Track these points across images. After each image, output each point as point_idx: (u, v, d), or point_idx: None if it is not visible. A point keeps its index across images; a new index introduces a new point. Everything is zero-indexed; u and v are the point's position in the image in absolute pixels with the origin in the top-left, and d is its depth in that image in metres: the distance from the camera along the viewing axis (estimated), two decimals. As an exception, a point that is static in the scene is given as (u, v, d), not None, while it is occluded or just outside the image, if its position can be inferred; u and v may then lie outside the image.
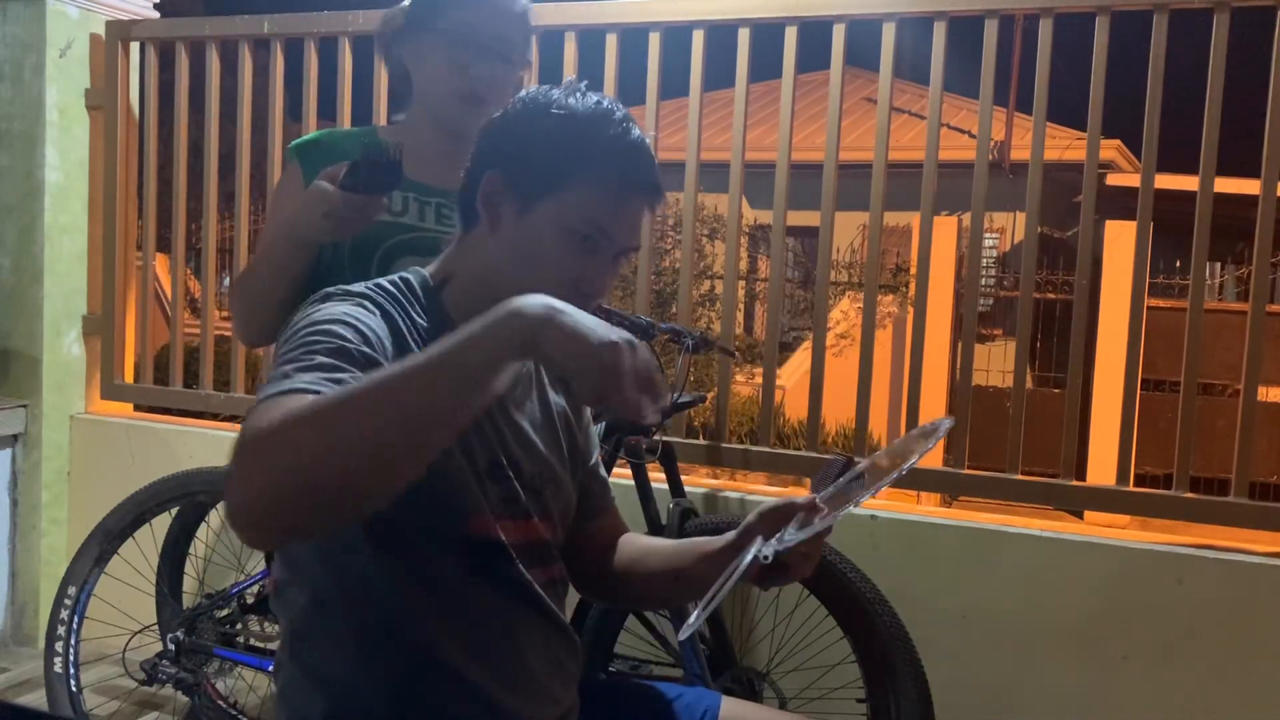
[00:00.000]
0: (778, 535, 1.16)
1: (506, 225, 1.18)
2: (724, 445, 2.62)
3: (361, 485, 0.90)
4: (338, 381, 0.99)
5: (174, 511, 2.64)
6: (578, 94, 1.18)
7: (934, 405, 7.62)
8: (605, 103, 1.18)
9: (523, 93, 1.22)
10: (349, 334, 1.06)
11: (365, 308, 1.13)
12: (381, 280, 1.21)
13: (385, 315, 1.14)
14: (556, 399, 1.35)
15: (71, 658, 2.51)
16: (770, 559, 1.13)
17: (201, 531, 2.74)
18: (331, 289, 1.17)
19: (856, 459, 1.25)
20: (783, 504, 1.21)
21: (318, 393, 0.96)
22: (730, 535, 1.24)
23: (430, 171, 1.65)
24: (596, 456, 1.42)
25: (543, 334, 0.92)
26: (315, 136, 1.75)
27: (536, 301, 0.94)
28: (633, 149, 1.17)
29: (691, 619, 1.10)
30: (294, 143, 1.73)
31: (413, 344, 1.15)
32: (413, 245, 1.62)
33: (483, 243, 1.20)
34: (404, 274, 1.23)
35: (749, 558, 1.14)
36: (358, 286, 1.18)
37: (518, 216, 1.17)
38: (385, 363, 1.07)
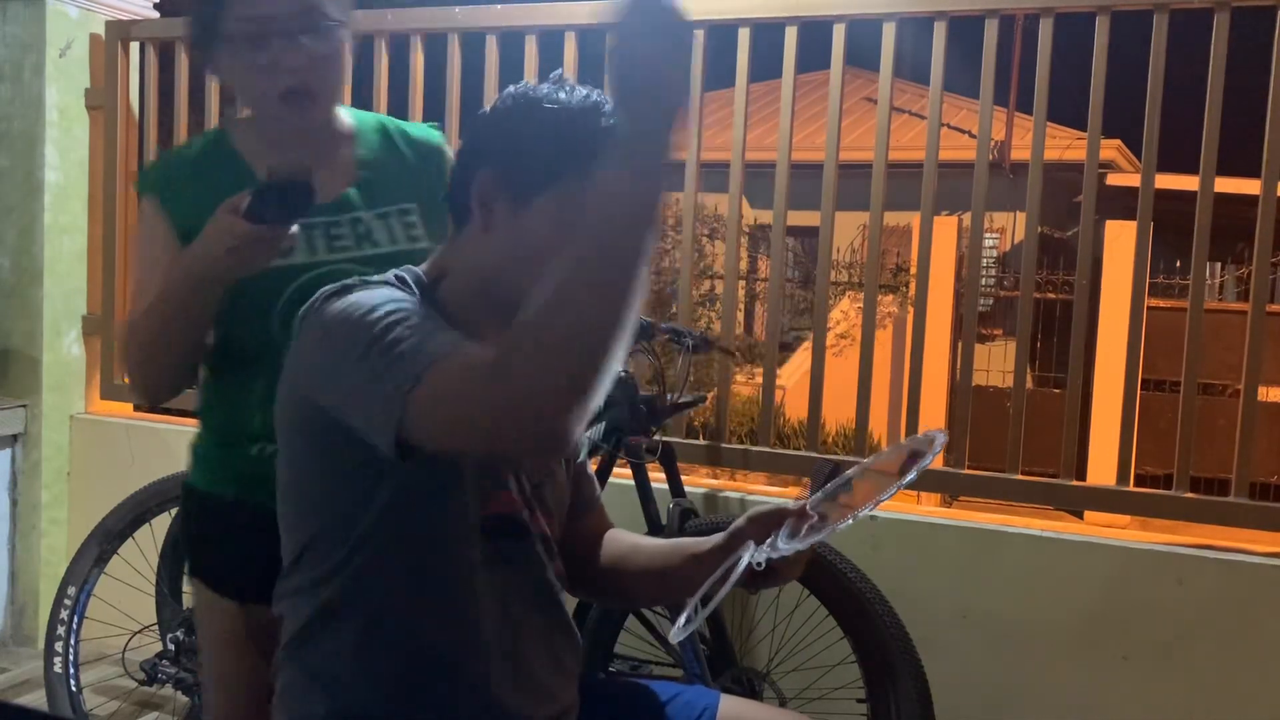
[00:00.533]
0: (769, 541, 1.17)
1: (501, 223, 1.17)
2: (724, 445, 2.62)
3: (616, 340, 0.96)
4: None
5: (174, 511, 2.64)
6: (566, 88, 1.17)
7: (934, 405, 7.62)
8: (593, 95, 1.17)
9: (510, 89, 1.21)
10: (417, 311, 1.09)
11: (398, 293, 1.14)
12: (382, 276, 1.21)
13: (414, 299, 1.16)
14: None
15: (71, 658, 2.51)
16: (764, 566, 1.14)
17: (201, 531, 2.74)
18: (349, 280, 1.17)
19: (843, 464, 1.26)
20: (773, 510, 1.21)
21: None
22: (719, 537, 1.25)
23: None
24: (585, 454, 1.43)
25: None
26: (159, 164, 1.54)
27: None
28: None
29: (681, 621, 1.11)
30: (140, 177, 1.53)
31: None
32: (313, 287, 1.35)
33: (477, 241, 1.20)
34: (398, 272, 1.23)
35: (743, 565, 1.14)
36: (373, 279, 1.18)
37: (513, 214, 1.17)
38: None
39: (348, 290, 1.14)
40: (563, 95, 1.16)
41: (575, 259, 0.95)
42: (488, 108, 1.22)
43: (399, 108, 2.75)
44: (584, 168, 1.14)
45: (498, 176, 1.16)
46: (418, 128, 1.60)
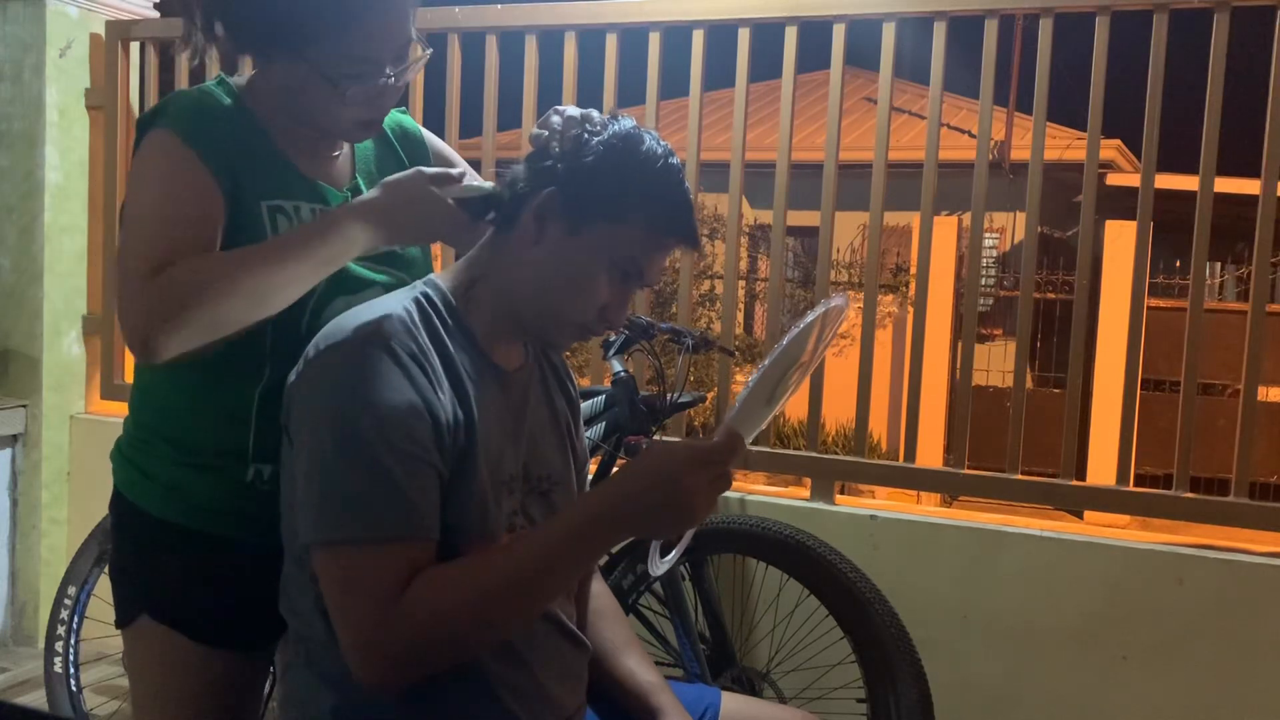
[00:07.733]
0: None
1: (551, 241, 1.19)
2: (724, 445, 2.61)
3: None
4: (416, 513, 1.10)
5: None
6: (657, 141, 1.20)
7: (934, 405, 7.62)
8: (665, 147, 1.21)
9: (598, 117, 1.21)
10: (415, 445, 1.09)
11: (407, 371, 1.12)
12: (408, 305, 1.19)
13: (423, 356, 1.14)
14: (560, 403, 1.36)
15: (71, 658, 2.51)
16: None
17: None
18: (362, 315, 1.15)
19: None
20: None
21: (421, 536, 1.10)
22: (638, 692, 1.36)
23: (318, 164, 1.36)
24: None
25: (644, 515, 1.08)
26: (182, 102, 1.29)
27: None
28: (686, 200, 1.21)
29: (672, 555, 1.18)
30: (160, 110, 1.29)
31: (455, 356, 1.17)
32: (335, 288, 1.31)
33: (522, 250, 1.20)
34: (425, 289, 1.22)
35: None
36: (393, 340, 1.13)
37: (565, 235, 1.18)
38: (442, 415, 1.12)
39: (362, 358, 1.11)
40: (651, 144, 1.19)
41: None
42: (566, 129, 1.20)
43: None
44: (646, 215, 1.18)
45: (565, 197, 1.17)
46: (390, 115, 1.49)
